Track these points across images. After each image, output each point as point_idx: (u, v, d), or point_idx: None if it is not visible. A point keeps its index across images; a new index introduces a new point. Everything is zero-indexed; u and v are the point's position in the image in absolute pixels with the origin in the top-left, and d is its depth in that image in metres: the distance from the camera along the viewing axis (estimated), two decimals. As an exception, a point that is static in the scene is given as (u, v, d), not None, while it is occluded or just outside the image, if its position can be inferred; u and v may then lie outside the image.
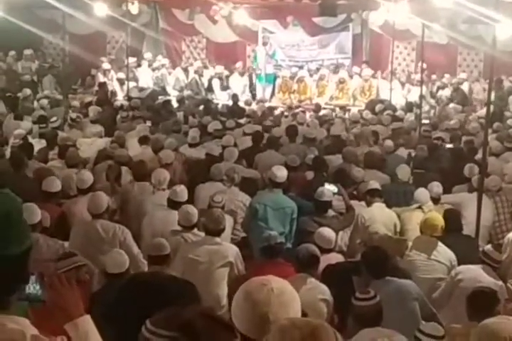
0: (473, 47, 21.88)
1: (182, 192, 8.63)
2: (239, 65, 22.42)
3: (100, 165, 10.79)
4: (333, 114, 18.28)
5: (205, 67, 22.74)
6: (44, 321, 2.44)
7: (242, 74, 22.11)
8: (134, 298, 2.40)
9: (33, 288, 2.43)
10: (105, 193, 8.31)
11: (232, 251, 7.49)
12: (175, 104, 18.32)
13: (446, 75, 21.90)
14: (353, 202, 9.50)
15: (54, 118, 14.12)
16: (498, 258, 7.41)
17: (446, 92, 20.61)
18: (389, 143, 12.94)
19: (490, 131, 12.61)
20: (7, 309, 2.17)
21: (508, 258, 8.44)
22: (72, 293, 2.54)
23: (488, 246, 7.57)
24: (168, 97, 19.84)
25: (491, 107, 12.08)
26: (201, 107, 17.94)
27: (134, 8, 21.19)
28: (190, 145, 12.45)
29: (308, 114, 18.07)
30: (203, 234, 7.75)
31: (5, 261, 2.12)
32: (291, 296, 2.88)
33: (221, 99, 20.90)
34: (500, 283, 7.32)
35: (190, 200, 9.13)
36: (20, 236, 2.18)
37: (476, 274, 7.23)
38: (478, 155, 11.34)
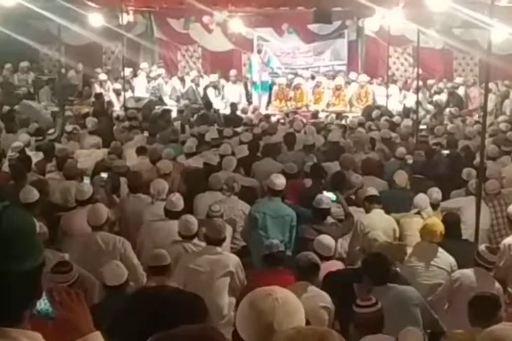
0: (469, 52, 21.94)
1: (178, 201, 8.59)
2: (233, 72, 22.40)
3: (97, 176, 10.78)
4: (331, 120, 18.30)
5: (201, 76, 22.75)
6: (54, 337, 2.44)
7: (235, 82, 22.10)
8: (141, 313, 2.40)
9: (43, 304, 2.44)
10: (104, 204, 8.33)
11: (233, 261, 7.48)
12: (174, 114, 18.31)
13: (444, 80, 21.98)
14: (352, 209, 9.51)
15: (52, 131, 14.12)
16: (492, 259, 7.39)
17: (442, 97, 20.65)
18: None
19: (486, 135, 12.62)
20: (21, 324, 2.19)
21: (506, 262, 8.45)
22: (82, 309, 2.55)
23: (482, 247, 7.54)
24: (167, 107, 19.77)
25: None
26: (197, 116, 17.91)
27: (127, 19, 21.15)
28: (187, 155, 12.44)
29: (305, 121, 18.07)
30: (203, 243, 7.74)
31: (20, 276, 2.14)
32: (295, 305, 2.89)
33: (218, 107, 20.85)
34: (498, 285, 7.33)
35: (189, 210, 9.13)
36: (34, 251, 2.20)
37: (473, 278, 7.24)
38: (476, 160, 11.34)
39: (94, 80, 21.61)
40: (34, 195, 8.68)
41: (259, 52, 22.82)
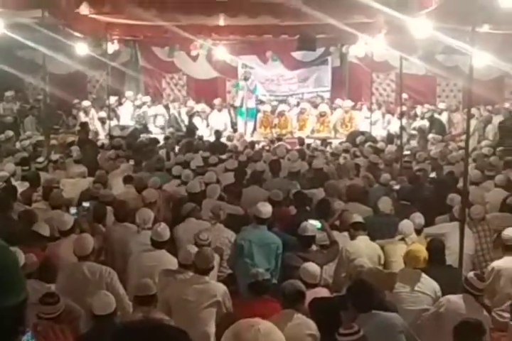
0: (451, 78, 22.12)
1: (163, 231, 8.57)
2: (217, 101, 22.50)
3: (80, 206, 10.78)
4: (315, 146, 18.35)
5: (192, 108, 22.69)
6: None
7: (220, 110, 22.19)
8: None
9: (26, 339, 2.45)
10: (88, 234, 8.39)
11: (220, 290, 7.48)
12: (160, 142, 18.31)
13: (426, 105, 22.14)
14: (337, 234, 9.56)
15: (41, 159, 14.10)
16: (480, 286, 7.42)
17: (424, 122, 20.77)
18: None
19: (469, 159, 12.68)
20: None
21: (490, 287, 8.49)
22: None
23: (471, 274, 7.58)
24: (153, 136, 19.76)
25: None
26: (182, 143, 17.92)
27: (112, 48, 21.26)
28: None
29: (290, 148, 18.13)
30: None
31: (4, 312, 2.14)
32: (277, 336, 2.97)
33: (203, 135, 20.86)
34: (484, 312, 7.36)
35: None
36: (18, 287, 2.21)
37: (460, 305, 7.27)
38: (460, 185, 11.40)
39: (79, 108, 21.68)
40: (47, 229, 8.96)
41: (246, 79, 22.90)
